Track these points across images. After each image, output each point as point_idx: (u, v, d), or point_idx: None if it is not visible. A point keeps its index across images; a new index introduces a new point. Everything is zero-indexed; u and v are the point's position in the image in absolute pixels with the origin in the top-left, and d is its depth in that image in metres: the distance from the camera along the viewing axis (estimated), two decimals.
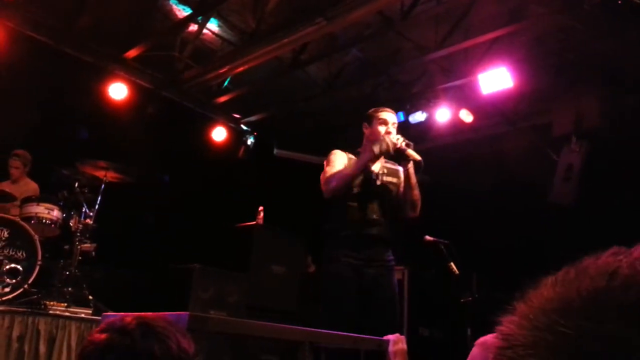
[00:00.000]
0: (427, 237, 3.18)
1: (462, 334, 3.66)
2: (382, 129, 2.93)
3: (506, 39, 5.06)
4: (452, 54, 5.30)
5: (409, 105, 5.78)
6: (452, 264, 3.01)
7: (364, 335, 2.26)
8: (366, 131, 3.03)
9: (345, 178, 2.83)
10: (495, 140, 6.05)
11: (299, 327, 2.16)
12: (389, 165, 3.09)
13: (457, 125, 5.67)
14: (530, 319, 0.47)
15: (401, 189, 2.99)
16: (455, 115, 5.64)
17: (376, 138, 2.89)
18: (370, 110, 3.08)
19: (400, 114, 5.59)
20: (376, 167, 3.02)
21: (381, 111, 3.01)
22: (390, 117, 2.98)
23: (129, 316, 0.99)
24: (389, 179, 3.01)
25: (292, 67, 5.87)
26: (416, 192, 2.91)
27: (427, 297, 5.09)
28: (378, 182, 2.94)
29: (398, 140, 2.86)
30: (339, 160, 2.95)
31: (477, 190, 5.74)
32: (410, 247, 3.69)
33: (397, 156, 2.92)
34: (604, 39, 4.72)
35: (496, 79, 5.08)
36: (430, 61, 5.50)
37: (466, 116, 5.64)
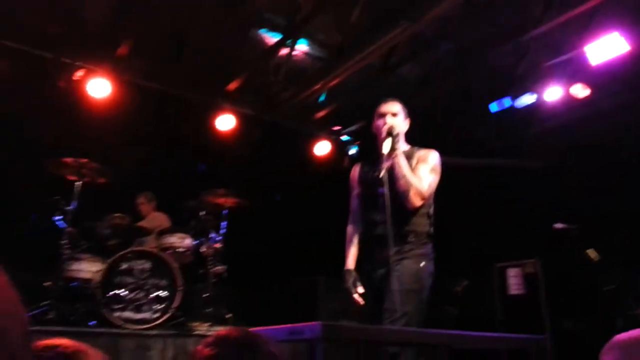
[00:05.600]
0: (556, 225, 2.99)
1: (610, 324, 3.37)
2: (380, 122, 2.93)
3: (609, 5, 4.62)
4: (552, 29, 4.95)
5: (514, 89, 5.47)
6: (590, 250, 2.79)
7: (502, 335, 2.19)
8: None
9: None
10: (617, 112, 5.51)
11: (435, 330, 2.13)
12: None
13: (569, 103, 5.25)
14: None
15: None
16: (567, 92, 5.23)
17: (377, 133, 2.96)
18: None
19: (506, 100, 5.31)
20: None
21: (379, 105, 3.01)
22: (385, 108, 2.97)
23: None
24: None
25: (382, 72, 5.86)
26: (402, 182, 2.74)
27: (565, 288, 4.75)
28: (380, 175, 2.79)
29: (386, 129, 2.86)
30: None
31: (600, 172, 5.26)
32: (538, 237, 3.50)
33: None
34: None
35: (609, 46, 4.65)
36: (531, 39, 5.17)
37: (581, 90, 5.19)
